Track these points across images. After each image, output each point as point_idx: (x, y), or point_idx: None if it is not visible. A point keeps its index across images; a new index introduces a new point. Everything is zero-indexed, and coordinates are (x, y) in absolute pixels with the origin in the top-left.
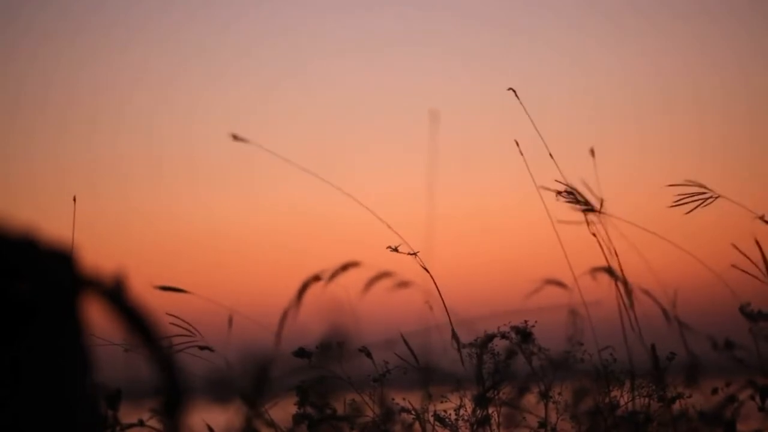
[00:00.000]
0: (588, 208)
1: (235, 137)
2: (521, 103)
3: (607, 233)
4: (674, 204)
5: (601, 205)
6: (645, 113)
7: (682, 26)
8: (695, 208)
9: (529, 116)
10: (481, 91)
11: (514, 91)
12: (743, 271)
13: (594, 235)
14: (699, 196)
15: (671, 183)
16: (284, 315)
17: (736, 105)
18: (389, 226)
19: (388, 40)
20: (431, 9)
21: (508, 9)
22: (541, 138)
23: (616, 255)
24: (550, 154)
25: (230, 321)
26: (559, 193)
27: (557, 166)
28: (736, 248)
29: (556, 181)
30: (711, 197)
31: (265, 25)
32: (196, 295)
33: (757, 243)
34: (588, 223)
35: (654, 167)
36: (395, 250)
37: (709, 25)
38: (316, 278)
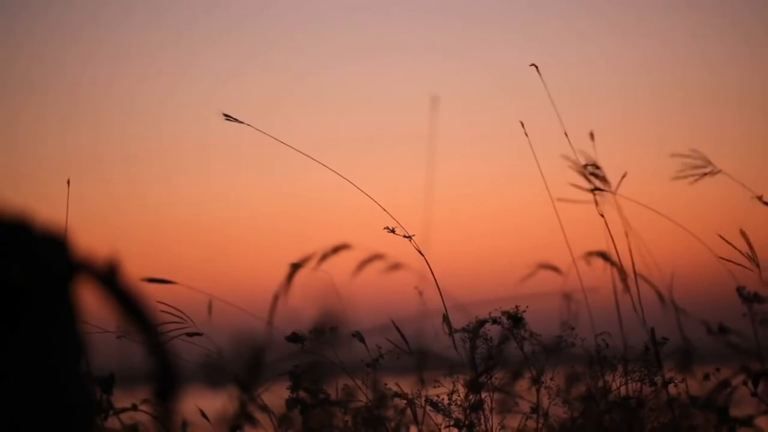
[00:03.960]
0: (599, 187)
1: (227, 117)
2: (542, 79)
3: (622, 213)
4: (677, 176)
5: (620, 180)
6: (635, 101)
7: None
8: (698, 179)
9: (549, 94)
10: (478, 79)
11: (536, 67)
12: (731, 261)
13: (602, 215)
14: (701, 169)
15: (675, 153)
16: (274, 299)
17: (726, 92)
18: (384, 209)
19: (390, 35)
20: (426, 12)
21: (499, 5)
22: (558, 117)
23: (627, 236)
24: (565, 133)
25: (210, 307)
26: (584, 166)
27: (571, 145)
28: (723, 239)
29: (580, 150)
30: (712, 171)
31: (276, 23)
32: (184, 285)
33: (743, 233)
34: (597, 203)
35: (647, 156)
36: (392, 231)
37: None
38: (306, 261)
